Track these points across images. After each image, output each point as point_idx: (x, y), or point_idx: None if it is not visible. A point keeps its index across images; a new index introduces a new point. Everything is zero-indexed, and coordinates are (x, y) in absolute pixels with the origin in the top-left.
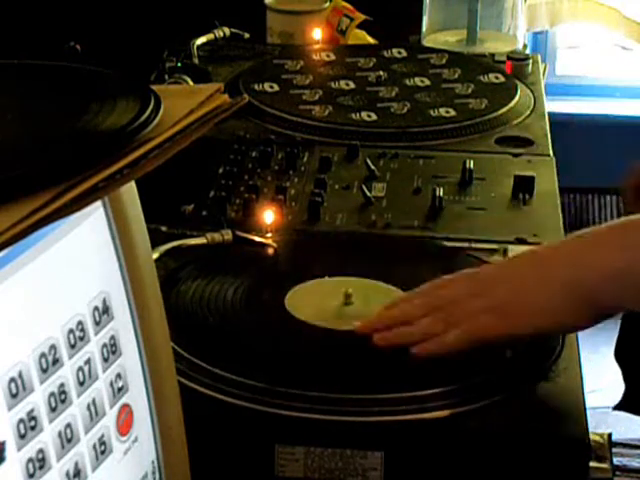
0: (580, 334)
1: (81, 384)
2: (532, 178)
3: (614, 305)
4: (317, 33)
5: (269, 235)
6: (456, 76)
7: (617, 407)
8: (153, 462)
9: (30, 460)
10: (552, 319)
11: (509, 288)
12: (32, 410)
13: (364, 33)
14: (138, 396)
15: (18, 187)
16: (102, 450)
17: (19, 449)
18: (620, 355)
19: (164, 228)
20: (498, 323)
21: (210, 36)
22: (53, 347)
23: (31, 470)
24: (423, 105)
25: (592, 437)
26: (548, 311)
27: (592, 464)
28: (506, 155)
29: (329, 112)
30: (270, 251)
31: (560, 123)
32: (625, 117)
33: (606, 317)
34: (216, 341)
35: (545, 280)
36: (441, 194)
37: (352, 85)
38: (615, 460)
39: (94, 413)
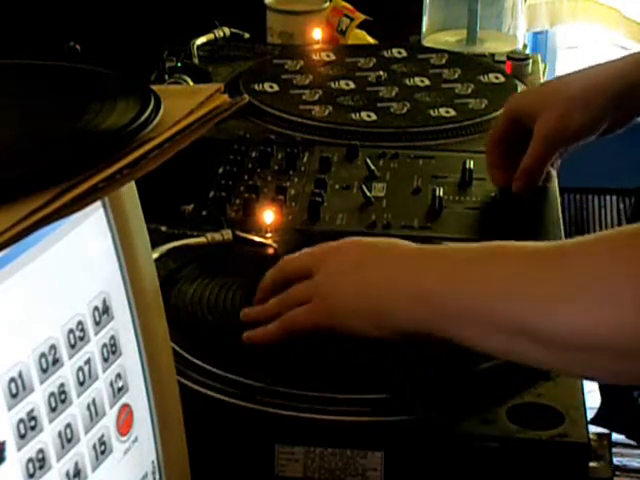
0: None
1: (81, 384)
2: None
3: (419, 332)
4: (317, 33)
5: (269, 235)
6: (456, 76)
7: (592, 421)
8: (153, 462)
9: (30, 460)
10: (353, 325)
11: (330, 281)
12: (32, 410)
13: (364, 33)
14: (138, 396)
15: (18, 187)
16: (102, 450)
17: (19, 449)
18: None
19: (164, 228)
20: (307, 316)
21: (210, 36)
22: (53, 347)
23: (31, 470)
24: (423, 105)
25: (592, 437)
26: (351, 317)
27: (592, 464)
28: None
29: (329, 112)
30: (270, 251)
31: None
32: None
33: (402, 335)
34: (216, 341)
35: (362, 286)
36: (441, 194)
37: (352, 85)
38: (615, 460)
39: (94, 413)
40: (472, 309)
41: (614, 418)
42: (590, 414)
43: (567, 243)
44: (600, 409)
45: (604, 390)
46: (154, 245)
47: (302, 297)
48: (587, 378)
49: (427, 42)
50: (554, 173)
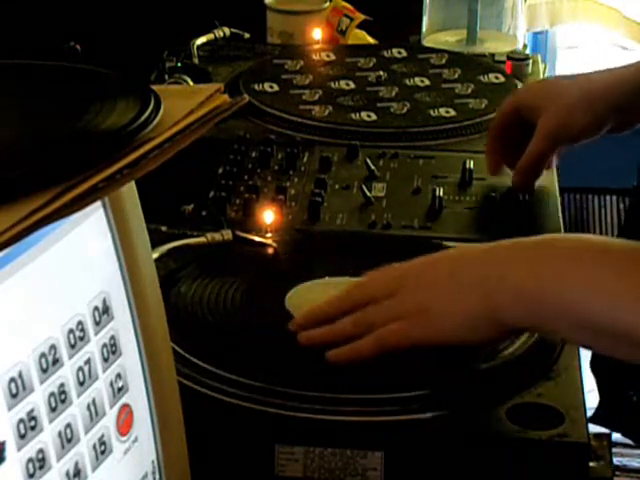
0: None
1: (81, 384)
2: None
3: (519, 327)
4: (317, 33)
5: (269, 235)
6: (456, 76)
7: (591, 420)
8: (153, 462)
9: (30, 460)
10: (458, 335)
11: (423, 294)
12: (32, 410)
13: (364, 33)
14: (138, 396)
15: (18, 187)
16: (102, 450)
17: (19, 449)
18: (595, 366)
19: (164, 228)
20: (403, 332)
21: (210, 36)
22: (53, 347)
23: (31, 470)
24: (423, 105)
25: (592, 437)
26: (455, 327)
27: (592, 464)
28: None
29: (329, 112)
30: (270, 251)
31: None
32: None
33: (510, 335)
34: (216, 341)
35: (459, 292)
36: (441, 194)
37: (352, 85)
38: (615, 460)
39: (94, 413)
40: (570, 307)
41: (611, 417)
42: (589, 414)
43: None
44: (598, 408)
45: (601, 389)
46: (154, 245)
47: (392, 317)
48: None
49: (427, 42)
50: (554, 168)
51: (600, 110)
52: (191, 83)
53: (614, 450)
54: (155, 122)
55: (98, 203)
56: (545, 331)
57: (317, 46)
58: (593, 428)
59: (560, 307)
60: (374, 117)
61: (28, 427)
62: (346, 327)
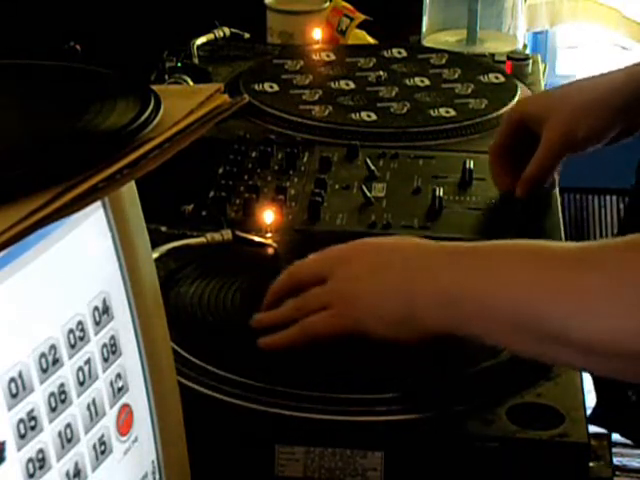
0: None
1: (81, 384)
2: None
3: (439, 331)
4: (317, 33)
5: (269, 235)
6: (456, 76)
7: (589, 420)
8: (153, 462)
9: (30, 460)
10: (378, 330)
11: (350, 285)
12: (32, 410)
13: (364, 33)
14: (138, 396)
15: (18, 187)
16: (102, 450)
17: (19, 449)
18: None
19: (164, 228)
20: (329, 322)
21: (210, 36)
22: (53, 347)
23: (31, 470)
24: (423, 105)
25: (592, 437)
26: (375, 322)
27: (592, 464)
28: None
29: (329, 112)
30: (270, 251)
31: None
32: None
33: (435, 336)
34: (216, 341)
35: (384, 290)
36: (441, 194)
37: (352, 85)
38: (615, 460)
39: (94, 413)
40: (498, 312)
41: (609, 417)
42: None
43: (591, 247)
44: (595, 408)
45: (599, 389)
46: (154, 245)
47: (320, 302)
48: (617, 378)
49: (427, 42)
50: (557, 178)
51: (606, 116)
52: (191, 83)
53: (614, 450)
54: (155, 122)
55: (98, 203)
56: (467, 336)
57: (317, 46)
58: (593, 428)
59: (477, 310)
60: (374, 117)
61: (28, 427)
62: (285, 312)
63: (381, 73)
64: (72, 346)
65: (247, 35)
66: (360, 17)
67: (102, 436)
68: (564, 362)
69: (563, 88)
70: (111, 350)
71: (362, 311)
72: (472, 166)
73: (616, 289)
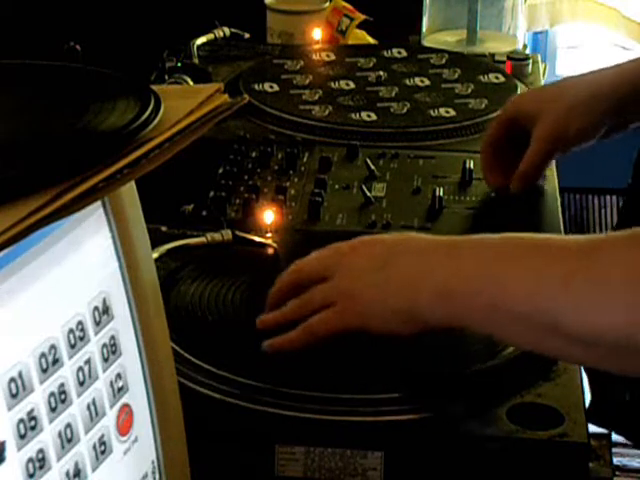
0: None
1: (81, 384)
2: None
3: (441, 325)
4: (317, 33)
5: (269, 235)
6: (456, 76)
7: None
8: (153, 462)
9: (30, 460)
10: (382, 325)
11: (353, 282)
12: (32, 410)
13: (364, 33)
14: (138, 396)
15: (18, 187)
16: (102, 450)
17: (19, 449)
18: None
19: (164, 228)
20: (334, 320)
21: (210, 36)
22: (53, 347)
23: (31, 470)
24: (423, 105)
25: (592, 437)
26: (380, 318)
27: (592, 464)
28: None
29: (329, 112)
30: (270, 251)
31: None
32: None
33: (437, 330)
34: (216, 341)
35: (386, 285)
36: (441, 194)
37: (352, 85)
38: (615, 460)
39: (94, 413)
40: (502, 306)
41: (604, 415)
42: None
43: (595, 240)
44: (590, 406)
45: (594, 387)
46: (154, 245)
47: (324, 300)
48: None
49: (427, 42)
50: (549, 173)
51: (598, 112)
52: (191, 83)
53: (614, 450)
54: (155, 122)
55: (98, 203)
56: (469, 329)
57: (317, 46)
58: (593, 428)
59: (479, 305)
60: (374, 117)
61: (28, 427)
62: (290, 311)
63: (381, 73)
64: (72, 346)
65: (247, 35)
66: (360, 17)
67: (102, 436)
68: (565, 356)
69: (554, 85)
70: (111, 350)
71: (365, 307)
72: (472, 166)
73: (625, 279)
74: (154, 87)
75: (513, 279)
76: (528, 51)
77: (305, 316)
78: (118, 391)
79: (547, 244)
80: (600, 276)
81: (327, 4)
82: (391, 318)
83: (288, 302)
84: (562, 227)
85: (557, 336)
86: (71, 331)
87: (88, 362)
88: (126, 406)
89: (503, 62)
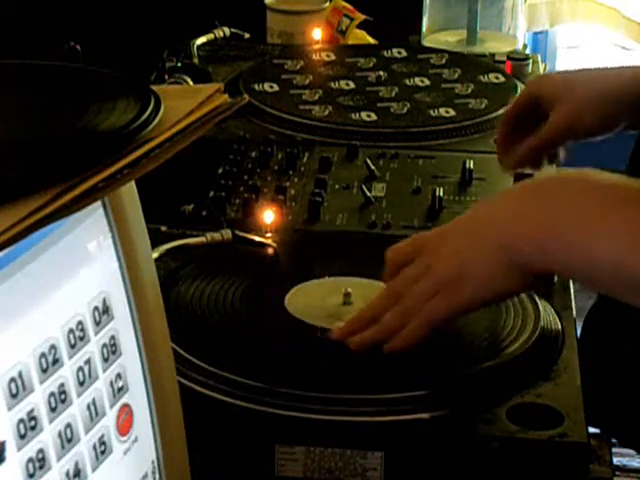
0: None
1: (81, 384)
2: (532, 177)
3: (542, 270)
4: (317, 33)
5: (269, 235)
6: (456, 76)
7: None
8: (153, 462)
9: (30, 460)
10: (490, 287)
11: (449, 263)
12: (32, 410)
13: (364, 33)
14: (138, 396)
15: (18, 187)
16: (102, 450)
17: (19, 449)
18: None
19: (164, 228)
20: (444, 304)
21: (210, 36)
22: (53, 347)
23: (31, 470)
24: (423, 105)
25: (592, 437)
26: (485, 280)
27: (592, 464)
28: None
29: (329, 112)
30: (270, 251)
31: None
32: None
33: (541, 280)
34: (216, 341)
35: (479, 249)
36: (441, 194)
37: (352, 85)
38: (615, 460)
39: (94, 413)
40: (598, 259)
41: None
42: None
43: None
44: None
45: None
46: (154, 245)
47: (429, 292)
48: None
49: (427, 42)
50: (562, 155)
51: (613, 110)
52: (191, 83)
53: (614, 450)
54: (155, 122)
55: (98, 203)
56: (562, 273)
57: (317, 46)
58: (592, 428)
59: (568, 248)
60: (374, 117)
61: (28, 427)
62: (393, 320)
63: (381, 73)
64: (72, 346)
65: (247, 35)
66: (360, 17)
67: (102, 436)
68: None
69: (577, 74)
70: (111, 350)
71: (472, 280)
72: (472, 166)
73: None
74: (154, 87)
75: (613, 232)
76: (528, 51)
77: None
78: (118, 391)
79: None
80: None
81: (327, 4)
82: (498, 278)
83: (386, 315)
84: None
85: None
86: (71, 331)
87: (88, 362)
88: (126, 406)
89: (503, 62)
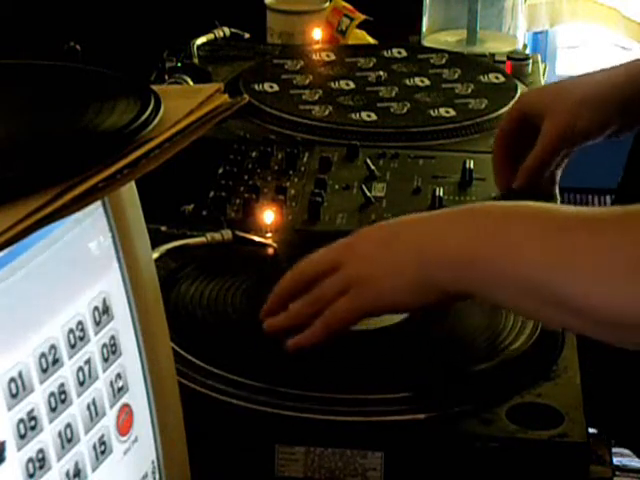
0: None
1: (81, 384)
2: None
3: (455, 293)
4: (317, 33)
5: (269, 235)
6: (456, 76)
7: None
8: (153, 462)
9: (30, 460)
10: (399, 300)
11: (362, 265)
12: (32, 410)
13: (364, 33)
14: (138, 396)
15: (18, 187)
16: (102, 450)
17: (19, 449)
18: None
19: (164, 228)
20: (351, 306)
21: (210, 36)
22: (53, 347)
23: (31, 470)
24: (423, 105)
25: (592, 437)
26: (395, 292)
27: (592, 464)
28: None
29: (329, 112)
30: (270, 251)
31: None
32: None
33: (454, 301)
34: (216, 341)
35: (396, 260)
36: (441, 194)
37: (352, 85)
38: (615, 460)
39: (94, 413)
40: (509, 276)
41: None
42: None
43: (603, 214)
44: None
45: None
46: (154, 245)
47: (336, 290)
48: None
49: (427, 42)
50: (558, 174)
51: (606, 111)
52: (191, 83)
53: (614, 450)
54: (155, 122)
55: (98, 203)
56: (480, 296)
57: (317, 46)
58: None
59: (489, 272)
60: (374, 117)
61: (28, 427)
62: (301, 310)
63: (381, 73)
64: (72, 346)
65: (247, 35)
66: (360, 17)
67: (102, 436)
68: (569, 327)
69: (563, 83)
70: (111, 350)
71: (380, 285)
72: (472, 166)
73: (629, 252)
74: (154, 87)
75: (526, 249)
76: (528, 51)
77: (316, 313)
78: (118, 391)
79: (558, 212)
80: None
81: (327, 4)
82: (406, 291)
83: (293, 303)
84: None
85: (569, 310)
86: (71, 331)
87: (88, 362)
88: (126, 406)
89: (503, 62)
